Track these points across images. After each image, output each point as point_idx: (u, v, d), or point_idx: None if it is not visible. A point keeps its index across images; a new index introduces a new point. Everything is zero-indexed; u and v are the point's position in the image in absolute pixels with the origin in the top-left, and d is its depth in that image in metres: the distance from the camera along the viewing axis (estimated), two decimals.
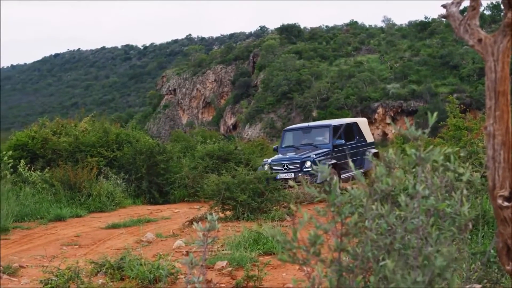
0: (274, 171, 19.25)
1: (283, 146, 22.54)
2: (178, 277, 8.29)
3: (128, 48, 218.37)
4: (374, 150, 24.01)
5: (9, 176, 18.45)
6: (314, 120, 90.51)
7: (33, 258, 11.11)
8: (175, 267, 8.38)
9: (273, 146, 24.69)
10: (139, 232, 13.21)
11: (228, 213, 14.62)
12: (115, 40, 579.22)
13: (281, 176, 19.45)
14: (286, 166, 20.34)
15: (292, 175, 19.84)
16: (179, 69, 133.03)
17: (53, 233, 14.14)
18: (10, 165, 18.93)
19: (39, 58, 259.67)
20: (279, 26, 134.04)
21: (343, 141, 21.60)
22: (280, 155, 21.64)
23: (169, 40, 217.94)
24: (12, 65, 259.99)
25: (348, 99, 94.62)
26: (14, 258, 11.06)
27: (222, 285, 8.02)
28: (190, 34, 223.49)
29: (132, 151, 21.18)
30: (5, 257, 11.30)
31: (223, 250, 10.14)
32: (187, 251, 10.94)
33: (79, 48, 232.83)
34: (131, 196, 20.30)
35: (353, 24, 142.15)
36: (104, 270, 8.39)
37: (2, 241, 13.18)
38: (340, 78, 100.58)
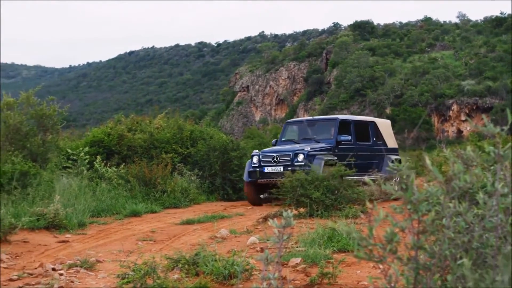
0: (262, 164, 18.22)
1: (283, 139, 20.36)
2: (253, 273, 8.32)
3: (201, 45, 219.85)
4: (396, 157, 21.34)
5: (85, 172, 18.78)
6: (388, 117, 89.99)
7: (110, 253, 11.28)
8: (249, 263, 8.42)
9: (273, 140, 21.90)
10: (213, 228, 13.30)
11: (301, 210, 14.62)
12: (188, 37, 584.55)
13: (269, 169, 18.07)
14: (276, 158, 18.16)
15: (281, 168, 17.72)
16: (252, 66, 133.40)
17: (128, 229, 14.35)
18: (86, 161, 19.26)
19: (114, 55, 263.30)
20: (352, 22, 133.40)
21: (349, 138, 19.18)
22: (270, 148, 19.74)
23: (242, 37, 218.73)
24: (88, 63, 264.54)
25: (422, 96, 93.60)
26: (91, 253, 11.25)
27: (297, 282, 8.02)
28: (263, 31, 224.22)
29: (206, 148, 21.34)
30: (82, 251, 11.51)
31: (297, 247, 10.13)
32: (261, 248, 10.98)
33: (153, 46, 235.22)
34: (205, 193, 20.46)
35: (427, 20, 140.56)
36: (179, 265, 8.48)
37: (80, 236, 13.44)
38: (414, 75, 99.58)
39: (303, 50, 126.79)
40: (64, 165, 19.24)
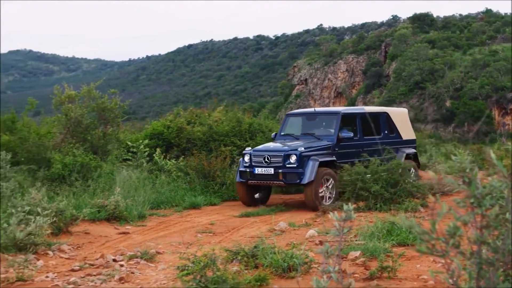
0: (254, 164, 16.40)
1: (282, 133, 18.23)
2: (312, 266, 8.32)
3: (259, 38, 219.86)
4: (410, 150, 19.27)
5: (145, 164, 18.94)
6: (447, 110, 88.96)
7: (169, 245, 11.38)
8: (308, 256, 8.42)
9: (272, 134, 19.27)
10: (271, 221, 13.33)
11: (360, 203, 14.55)
12: (247, 31, 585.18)
13: (259, 171, 16.25)
14: (267, 159, 16.19)
15: (272, 170, 16.02)
16: (311, 59, 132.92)
17: (188, 221, 14.44)
18: (146, 153, 19.42)
19: (173, 49, 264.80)
20: (411, 15, 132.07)
21: (351, 134, 17.04)
22: (264, 145, 17.60)
23: (301, 30, 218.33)
24: (147, 56, 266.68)
25: (482, 89, 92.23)
26: (151, 244, 11.36)
27: (356, 275, 8.00)
28: (321, 24, 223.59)
29: (265, 141, 21.34)
30: (142, 243, 11.63)
31: (356, 240, 10.11)
32: (320, 241, 10.97)
33: (211, 39, 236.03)
34: None
35: (488, 12, 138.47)
36: (238, 257, 8.52)
37: (140, 227, 13.57)
38: (474, 68, 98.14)
39: (361, 43, 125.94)
40: (124, 158, 19.42)
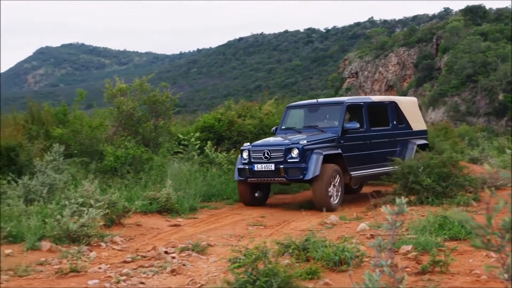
0: (253, 160, 15.39)
1: (283, 127, 17.19)
2: (363, 260, 8.30)
3: (310, 31, 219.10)
4: (421, 141, 18.03)
5: (196, 157, 19.02)
6: (500, 104, 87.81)
7: (221, 237, 11.44)
8: (360, 250, 8.40)
9: (273, 128, 18.08)
10: (322, 214, 13.29)
11: (412, 197, 14.45)
12: (297, 23, 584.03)
13: (259, 167, 15.25)
14: (267, 154, 15.20)
15: (273, 166, 15.05)
16: (361, 52, 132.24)
17: (239, 213, 14.51)
18: (197, 146, 19.50)
19: (224, 42, 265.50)
20: (463, 7, 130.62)
21: (357, 125, 15.87)
22: (264, 139, 16.68)
23: (351, 23, 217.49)
24: (198, 49, 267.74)
25: None
26: (202, 237, 11.42)
27: (408, 269, 7.96)
28: (372, 17, 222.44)
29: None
30: (193, 235, 11.70)
31: (407, 234, 10.05)
32: (371, 234, 10.93)
33: (262, 32, 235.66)
34: None
35: None
36: (290, 250, 8.53)
37: (191, 220, 13.66)
38: None
39: (413, 35, 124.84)
40: (175, 150, 19.52)
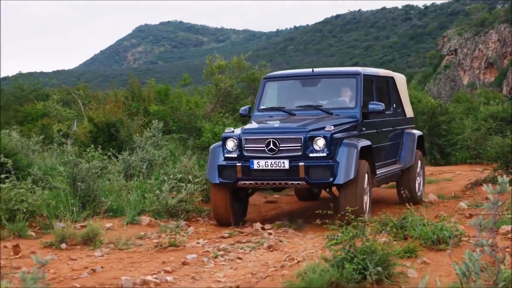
0: (247, 153, 10.65)
1: (262, 107, 12.29)
2: (462, 239, 8.19)
3: (408, 8, 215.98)
4: (416, 132, 13.90)
5: None
6: None
7: (317, 215, 11.43)
8: (458, 229, 8.29)
9: (241, 108, 13.10)
10: None
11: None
12: (395, 0, 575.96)
13: (261, 164, 10.46)
14: (275, 143, 10.42)
15: (286, 163, 10.35)
16: (461, 29, 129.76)
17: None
18: None
19: (321, 19, 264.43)
20: None
21: (382, 106, 11.52)
22: (256, 124, 11.47)
23: None
24: (295, 27, 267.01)
25: None
26: (299, 214, 11.48)
27: (508, 249, 7.81)
28: None
29: (414, 112, 21.11)
30: (290, 212, 11.79)
31: (507, 214, 9.86)
32: (470, 214, 10.79)
33: (359, 9, 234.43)
34: None
35: None
36: (387, 229, 8.49)
37: (288, 197, 13.71)
38: None
39: None
40: None
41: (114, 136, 15.48)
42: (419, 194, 13.12)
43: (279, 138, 10.45)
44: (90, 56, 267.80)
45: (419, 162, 13.43)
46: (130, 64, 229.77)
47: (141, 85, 20.70)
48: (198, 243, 9.36)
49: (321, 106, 11.82)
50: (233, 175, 10.64)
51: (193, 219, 11.14)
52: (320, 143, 10.31)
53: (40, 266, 4.97)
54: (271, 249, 8.78)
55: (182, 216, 10.83)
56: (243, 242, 9.30)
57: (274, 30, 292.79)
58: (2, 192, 10.03)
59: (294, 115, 11.63)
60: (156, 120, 15.35)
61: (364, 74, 11.86)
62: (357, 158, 10.39)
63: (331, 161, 10.30)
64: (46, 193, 10.58)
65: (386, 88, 13.07)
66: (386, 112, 12.27)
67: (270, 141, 10.44)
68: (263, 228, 10.38)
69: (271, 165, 10.43)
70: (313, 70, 12.60)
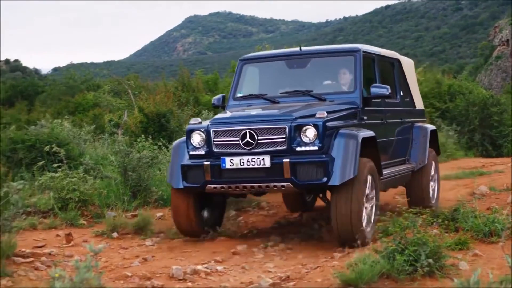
0: (217, 149, 8.47)
1: (239, 95, 10.14)
2: None
3: None
4: (428, 126, 11.62)
5: None
6: None
7: None
8: (510, 221, 8.19)
9: (214, 97, 10.59)
10: (472, 184, 13.03)
11: None
12: None
13: (235, 163, 8.27)
14: (252, 135, 8.28)
15: (267, 161, 8.15)
16: None
17: None
18: None
19: (371, 10, 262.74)
20: None
21: (387, 90, 9.17)
22: (233, 112, 9.34)
23: None
24: (344, 17, 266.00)
25: None
26: None
27: None
28: None
29: (465, 103, 20.93)
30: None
31: None
32: None
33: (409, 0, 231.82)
34: (462, 148, 20.10)
35: None
36: (438, 220, 8.42)
37: None
38: None
39: None
40: None
41: (164, 126, 15.57)
42: (433, 201, 11.03)
43: (257, 128, 8.28)
44: (141, 46, 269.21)
45: (433, 163, 11.33)
46: (180, 55, 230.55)
47: (190, 76, 20.77)
48: (248, 233, 9.40)
49: (312, 91, 9.50)
50: (200, 177, 8.52)
51: (243, 209, 11.17)
52: (309, 133, 8.15)
53: (93, 255, 5.03)
54: (320, 241, 8.79)
55: (232, 206, 10.87)
56: (293, 233, 9.31)
57: (324, 20, 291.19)
58: (54, 181, 10.17)
59: (278, 102, 9.48)
60: (206, 111, 15.39)
61: (364, 51, 9.65)
62: (358, 152, 8.16)
63: (324, 156, 8.11)
64: (97, 182, 10.73)
65: (391, 72, 10.84)
66: (392, 101, 10.30)
67: (246, 132, 8.29)
68: (313, 219, 10.39)
69: (248, 163, 8.24)
70: (300, 48, 10.31)
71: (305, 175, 8.06)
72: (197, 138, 8.60)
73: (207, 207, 9.29)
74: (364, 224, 8.15)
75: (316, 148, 8.07)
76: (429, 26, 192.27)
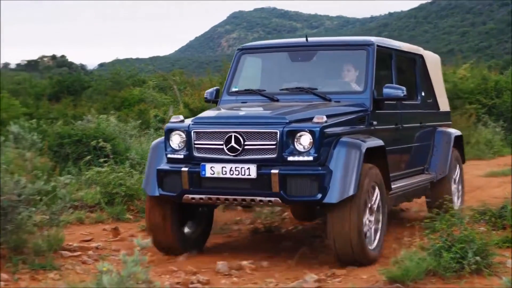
0: (198, 153, 7.41)
1: (234, 89, 9.00)
2: None
3: None
4: (453, 131, 10.46)
5: None
6: None
7: (414, 202, 11.29)
8: None
9: (206, 91, 9.36)
10: None
11: None
12: None
13: (217, 171, 7.16)
14: (237, 140, 7.16)
15: (253, 170, 7.02)
16: None
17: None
18: None
19: (416, 5, 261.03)
20: None
21: (402, 92, 8.04)
22: (218, 111, 8.38)
23: None
24: (389, 13, 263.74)
25: None
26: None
27: None
28: None
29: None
30: None
31: None
32: None
33: None
34: (509, 145, 19.90)
35: None
36: (485, 218, 8.36)
37: None
38: None
39: None
40: None
41: None
42: (458, 206, 9.82)
43: (244, 131, 7.18)
44: (186, 42, 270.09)
45: (458, 168, 10.48)
46: (224, 51, 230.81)
47: None
48: (294, 229, 9.41)
49: (316, 89, 8.36)
50: (177, 185, 7.41)
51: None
52: (304, 141, 7.03)
53: (141, 249, 5.07)
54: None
55: None
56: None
57: (368, 16, 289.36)
58: (101, 176, 10.27)
59: (277, 100, 8.35)
60: None
61: (378, 45, 8.51)
62: (360, 165, 7.05)
63: (320, 168, 7.00)
64: (143, 177, 10.78)
65: (412, 70, 9.84)
66: (411, 102, 9.29)
67: (231, 136, 7.17)
68: None
69: (231, 172, 7.12)
70: (307, 39, 8.97)
71: (296, 190, 6.97)
72: (176, 139, 7.55)
73: (190, 221, 8.19)
74: (366, 242, 7.19)
75: (311, 158, 6.97)
76: (475, 22, 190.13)
